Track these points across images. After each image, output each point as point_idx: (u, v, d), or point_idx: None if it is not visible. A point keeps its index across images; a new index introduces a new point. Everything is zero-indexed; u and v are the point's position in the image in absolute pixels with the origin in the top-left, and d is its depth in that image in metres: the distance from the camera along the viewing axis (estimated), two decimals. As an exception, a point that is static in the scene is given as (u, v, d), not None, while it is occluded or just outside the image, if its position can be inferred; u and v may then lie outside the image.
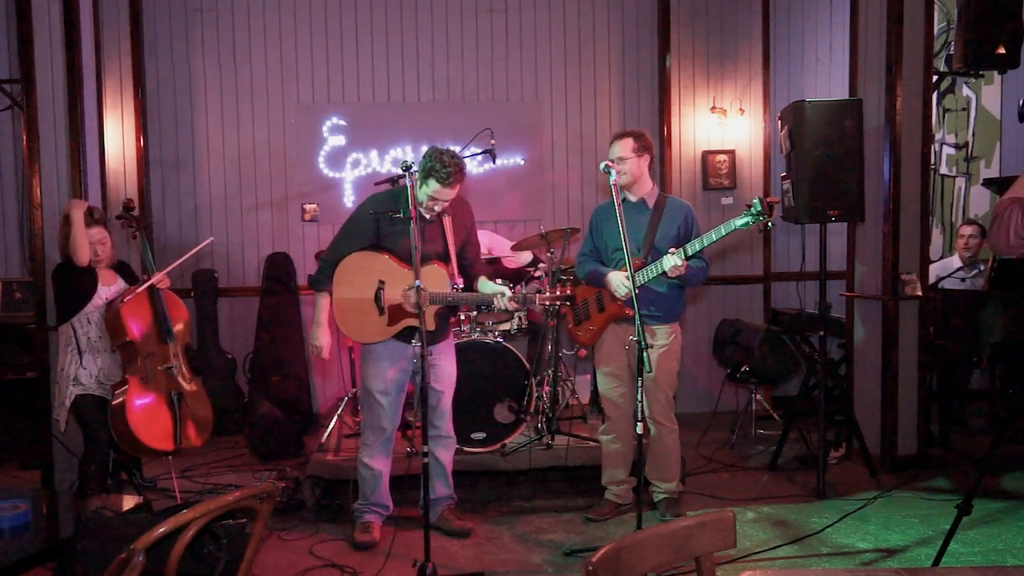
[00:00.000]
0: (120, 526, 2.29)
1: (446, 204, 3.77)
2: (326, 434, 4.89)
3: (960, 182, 6.90)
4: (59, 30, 4.68)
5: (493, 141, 4.72)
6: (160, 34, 6.04)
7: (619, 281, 3.90)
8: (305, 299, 6.08)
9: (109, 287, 4.10)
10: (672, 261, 3.75)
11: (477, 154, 4.98)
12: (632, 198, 4.06)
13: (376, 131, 6.19)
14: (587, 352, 4.35)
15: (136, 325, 3.98)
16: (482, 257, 4.92)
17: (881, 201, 4.96)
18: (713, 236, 3.75)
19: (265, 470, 5.01)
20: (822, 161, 4.50)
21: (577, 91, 6.41)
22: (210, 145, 6.14)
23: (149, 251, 4.22)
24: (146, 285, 4.03)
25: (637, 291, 3.85)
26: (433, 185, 3.66)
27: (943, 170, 6.87)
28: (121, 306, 3.93)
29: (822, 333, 4.70)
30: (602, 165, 3.78)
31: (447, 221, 3.84)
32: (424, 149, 6.10)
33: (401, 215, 3.61)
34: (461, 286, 3.78)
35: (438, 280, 3.74)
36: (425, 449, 3.34)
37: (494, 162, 5.03)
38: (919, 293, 4.93)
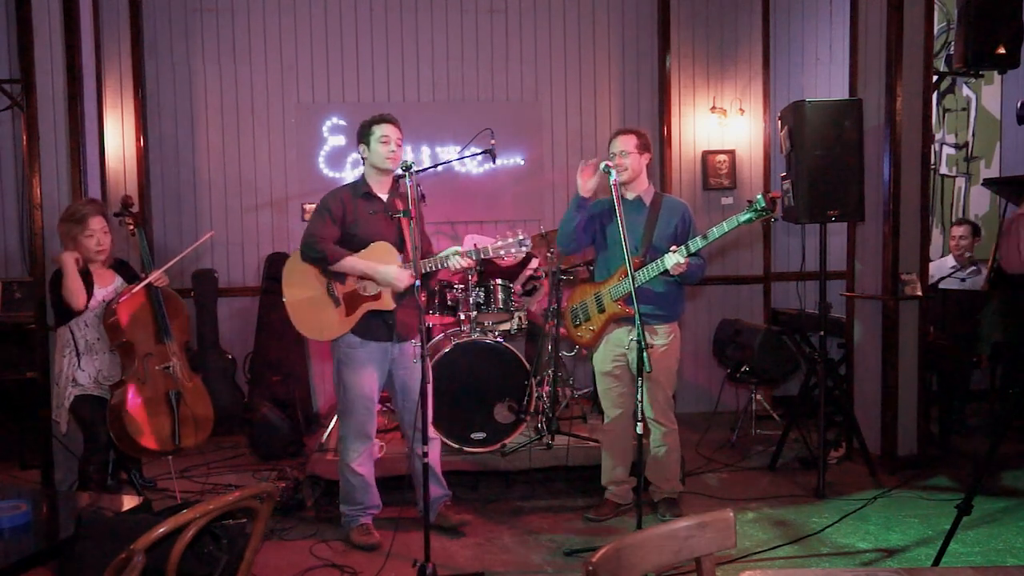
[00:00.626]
0: (120, 526, 2.28)
1: (399, 144, 3.85)
2: (326, 434, 4.89)
3: (960, 182, 6.90)
4: (59, 30, 4.68)
5: (493, 141, 4.71)
6: (160, 34, 6.04)
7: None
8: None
9: (106, 287, 4.08)
10: (674, 259, 3.76)
11: (477, 154, 4.97)
12: (629, 196, 4.07)
13: (376, 131, 6.18)
14: (588, 353, 4.35)
15: (134, 325, 3.96)
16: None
17: (881, 201, 4.96)
18: (716, 233, 3.75)
19: (265, 470, 5.02)
20: (822, 161, 4.50)
21: (577, 91, 6.41)
22: (210, 145, 6.14)
23: (147, 248, 4.21)
24: (143, 284, 4.00)
25: (633, 290, 3.88)
26: (379, 130, 3.78)
27: (943, 170, 6.87)
28: (118, 306, 3.92)
29: (822, 333, 4.70)
30: (602, 165, 3.78)
31: (404, 223, 3.77)
32: (424, 149, 6.19)
33: (402, 215, 3.59)
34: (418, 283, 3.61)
35: (388, 254, 3.77)
36: (425, 449, 3.34)
37: (494, 162, 5.02)
38: (919, 293, 4.93)
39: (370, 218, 3.81)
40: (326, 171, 6.19)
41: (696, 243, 3.79)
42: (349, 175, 6.18)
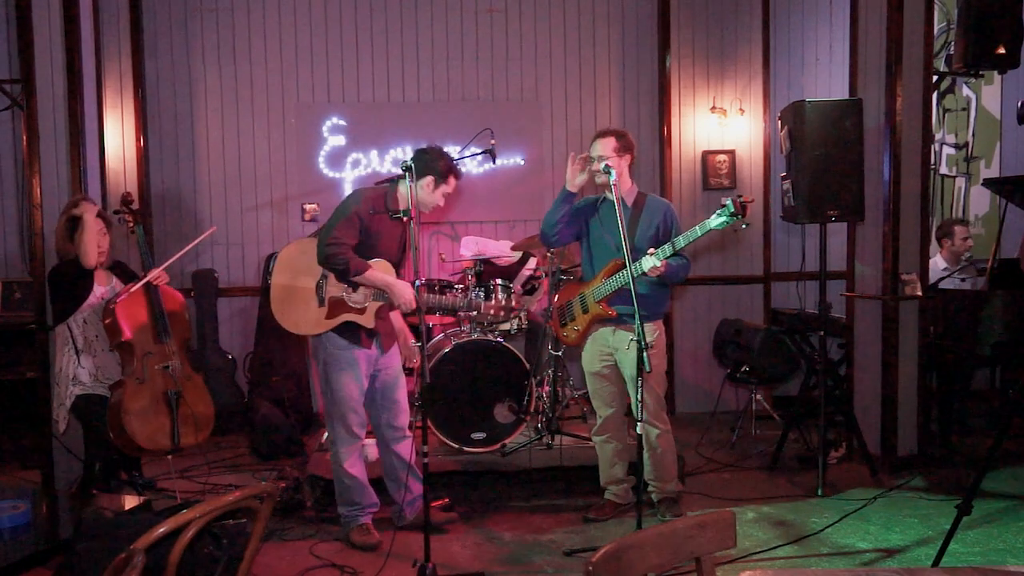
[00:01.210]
0: (120, 526, 2.29)
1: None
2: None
3: (960, 182, 6.90)
4: (59, 31, 4.68)
5: (493, 141, 4.72)
6: (160, 34, 6.04)
7: None
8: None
9: (104, 287, 4.09)
10: (651, 262, 3.72)
11: (477, 154, 4.98)
12: (611, 196, 4.05)
13: (376, 131, 6.19)
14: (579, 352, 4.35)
15: (132, 325, 3.95)
16: (474, 258, 4.96)
17: (881, 201, 4.96)
18: (682, 241, 3.71)
19: (265, 470, 5.01)
20: (822, 161, 4.50)
21: (577, 91, 6.42)
22: (210, 145, 6.14)
23: (146, 246, 4.21)
24: (142, 282, 4.00)
25: (617, 291, 3.87)
26: (452, 182, 3.81)
27: (943, 170, 6.87)
28: (116, 305, 3.91)
29: (822, 333, 4.70)
30: (602, 165, 3.78)
31: (404, 223, 3.80)
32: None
33: (402, 216, 3.59)
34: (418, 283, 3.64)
35: (388, 272, 3.75)
36: (425, 449, 3.34)
37: (494, 162, 5.03)
38: (919, 293, 4.93)
39: (385, 233, 3.77)
40: (326, 171, 6.19)
41: (665, 250, 3.74)
42: (349, 175, 6.19)
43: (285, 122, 6.20)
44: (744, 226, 3.56)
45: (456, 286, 4.73)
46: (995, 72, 5.87)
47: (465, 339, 4.52)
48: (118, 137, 5.90)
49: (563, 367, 5.11)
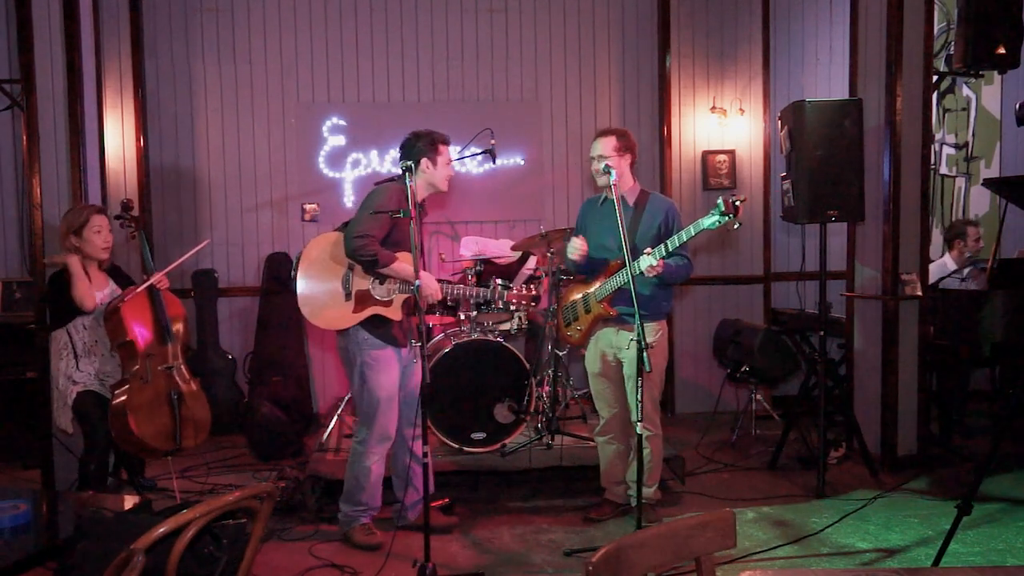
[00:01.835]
0: (120, 526, 2.28)
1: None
2: (326, 434, 4.90)
3: (960, 182, 6.90)
4: (59, 30, 4.68)
5: (493, 141, 4.72)
6: (160, 34, 6.04)
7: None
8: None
9: (101, 291, 4.09)
10: (648, 261, 3.71)
11: (477, 154, 4.98)
12: (612, 196, 4.05)
13: (376, 131, 6.19)
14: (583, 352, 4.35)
15: (136, 325, 3.97)
16: (474, 258, 4.96)
17: (881, 201, 4.96)
18: (680, 239, 3.70)
19: (265, 470, 5.01)
20: (822, 161, 4.50)
21: (577, 91, 6.42)
22: (210, 145, 6.14)
23: (148, 251, 4.22)
24: (145, 285, 4.03)
25: (618, 291, 3.87)
26: (444, 149, 3.86)
27: (943, 170, 6.87)
28: (121, 306, 3.93)
29: (822, 333, 4.70)
30: (603, 164, 3.78)
31: (405, 222, 3.75)
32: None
33: (402, 215, 3.59)
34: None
35: (411, 264, 3.73)
36: (426, 449, 3.34)
37: (494, 162, 5.03)
38: (919, 293, 4.93)
39: (405, 229, 3.75)
40: (326, 171, 6.19)
41: (660, 250, 3.73)
42: (349, 175, 6.19)
43: (285, 122, 6.20)
44: (736, 226, 3.55)
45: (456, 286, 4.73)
46: (995, 72, 5.87)
47: (465, 339, 4.52)
48: (118, 137, 5.90)
49: (563, 367, 5.12)
